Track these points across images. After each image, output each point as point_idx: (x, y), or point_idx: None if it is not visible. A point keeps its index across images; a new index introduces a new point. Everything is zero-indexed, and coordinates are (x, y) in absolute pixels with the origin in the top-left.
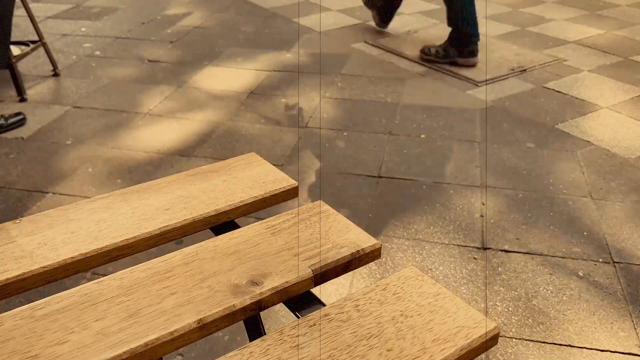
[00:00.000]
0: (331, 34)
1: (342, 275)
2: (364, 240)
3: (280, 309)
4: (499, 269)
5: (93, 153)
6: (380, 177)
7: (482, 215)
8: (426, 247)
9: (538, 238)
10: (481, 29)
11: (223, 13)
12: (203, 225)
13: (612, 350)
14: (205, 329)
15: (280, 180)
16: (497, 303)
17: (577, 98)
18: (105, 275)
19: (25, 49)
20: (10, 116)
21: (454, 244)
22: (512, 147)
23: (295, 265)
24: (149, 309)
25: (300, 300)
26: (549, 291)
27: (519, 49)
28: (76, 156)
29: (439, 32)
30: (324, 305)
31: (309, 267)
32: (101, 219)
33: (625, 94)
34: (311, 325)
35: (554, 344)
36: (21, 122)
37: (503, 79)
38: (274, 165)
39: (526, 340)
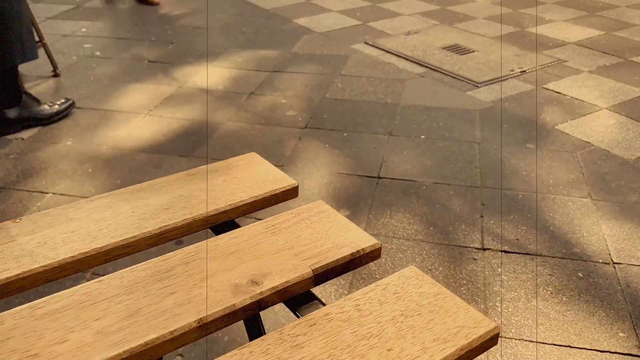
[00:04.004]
0: (331, 34)
1: (342, 276)
2: (364, 240)
3: (280, 308)
4: (499, 269)
5: (93, 153)
6: (380, 177)
7: (481, 216)
8: (426, 248)
9: (538, 239)
10: (482, 30)
11: (223, 14)
12: (203, 225)
13: (612, 351)
14: (205, 328)
15: (281, 180)
16: (496, 304)
17: (576, 99)
18: (105, 274)
19: None
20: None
21: (453, 245)
22: (511, 148)
23: (296, 265)
24: (149, 308)
25: (300, 299)
26: (549, 292)
27: (518, 49)
28: (76, 157)
29: (438, 32)
30: (324, 304)
31: (309, 266)
32: (101, 219)
33: (625, 95)
34: (311, 325)
35: (554, 344)
36: (70, 108)
37: (503, 80)
38: (274, 165)
39: (526, 340)
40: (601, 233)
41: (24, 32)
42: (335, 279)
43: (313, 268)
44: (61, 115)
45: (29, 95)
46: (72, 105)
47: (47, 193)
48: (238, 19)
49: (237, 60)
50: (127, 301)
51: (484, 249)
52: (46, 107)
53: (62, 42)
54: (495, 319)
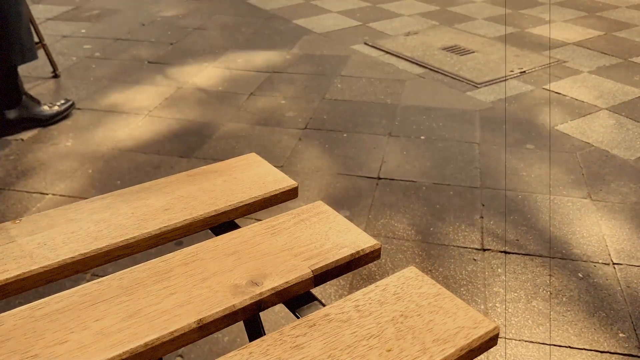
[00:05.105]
0: (331, 35)
1: (342, 276)
2: (363, 240)
3: (280, 309)
4: (499, 270)
5: (93, 154)
6: (380, 178)
7: (481, 217)
8: (425, 249)
9: (537, 239)
10: (482, 30)
11: (223, 14)
12: (203, 226)
13: (612, 351)
14: (205, 329)
15: (280, 181)
16: (496, 304)
17: (576, 99)
18: (105, 275)
19: None
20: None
21: (453, 245)
22: (511, 149)
23: (295, 265)
24: (149, 309)
25: (300, 300)
26: (549, 292)
27: (518, 50)
28: (76, 157)
29: (438, 33)
30: (323, 305)
31: (308, 267)
32: (101, 219)
33: (625, 95)
34: (311, 326)
35: (554, 345)
36: (70, 108)
37: (503, 81)
38: (274, 165)
39: (526, 341)
40: (601, 233)
41: (23, 33)
42: (335, 280)
43: (313, 269)
44: (61, 116)
45: (29, 96)
46: (72, 106)
47: (46, 194)
48: (238, 20)
49: (236, 61)
50: (127, 302)
51: (484, 250)
52: (46, 108)
53: (62, 42)
54: (495, 319)
